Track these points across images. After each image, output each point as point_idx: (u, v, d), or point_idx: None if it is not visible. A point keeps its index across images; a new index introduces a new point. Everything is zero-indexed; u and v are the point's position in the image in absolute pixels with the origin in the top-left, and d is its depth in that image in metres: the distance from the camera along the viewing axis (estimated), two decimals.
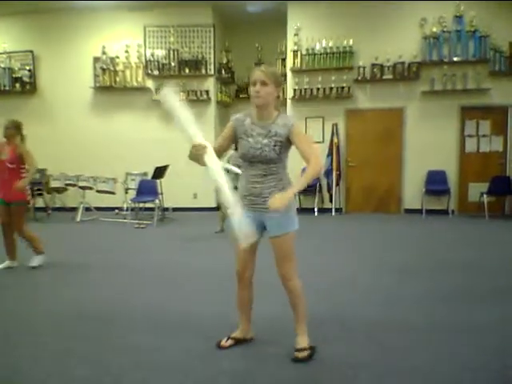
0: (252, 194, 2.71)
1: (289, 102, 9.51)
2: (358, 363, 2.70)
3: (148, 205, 8.81)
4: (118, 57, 9.93)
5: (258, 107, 2.68)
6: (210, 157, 2.63)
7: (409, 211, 9.22)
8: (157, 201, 8.41)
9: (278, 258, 2.75)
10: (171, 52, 9.84)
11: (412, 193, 9.24)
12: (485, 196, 8.49)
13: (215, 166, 2.62)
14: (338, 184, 9.26)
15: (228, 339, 2.94)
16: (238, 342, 2.94)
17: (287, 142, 2.68)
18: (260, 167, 2.68)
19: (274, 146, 2.64)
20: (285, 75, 9.64)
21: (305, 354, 2.73)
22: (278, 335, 3.09)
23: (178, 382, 2.52)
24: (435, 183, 8.99)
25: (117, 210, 9.36)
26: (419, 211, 8.97)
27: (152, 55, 9.89)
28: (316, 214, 9.03)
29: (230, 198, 2.56)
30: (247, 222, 2.56)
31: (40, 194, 9.06)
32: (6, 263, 5.18)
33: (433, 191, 9.01)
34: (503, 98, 8.78)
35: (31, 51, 10.10)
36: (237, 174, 2.84)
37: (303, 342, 2.78)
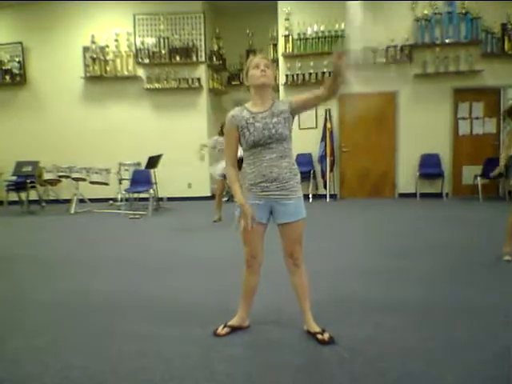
0: (267, 180, 2.68)
1: (281, 87, 9.46)
2: (355, 345, 2.71)
3: (142, 195, 8.78)
4: (107, 46, 9.84)
5: (262, 87, 2.70)
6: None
7: (403, 195, 9.25)
8: (151, 191, 8.39)
9: (289, 244, 2.78)
10: (161, 40, 9.76)
11: (406, 177, 9.26)
12: (479, 178, 8.52)
13: None
14: (332, 170, 9.25)
15: (224, 327, 2.94)
16: (234, 329, 2.94)
17: (292, 118, 2.75)
18: (276, 149, 2.68)
19: (284, 122, 2.69)
20: (277, 60, 9.59)
21: (327, 334, 2.76)
22: (274, 323, 3.09)
23: (176, 369, 2.52)
24: (429, 167, 9.01)
25: (111, 201, 9.34)
26: (413, 195, 9.01)
27: (142, 43, 9.81)
28: (311, 200, 9.03)
29: None
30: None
31: (33, 187, 9.00)
32: None
33: (427, 175, 9.03)
34: (496, 79, 8.78)
35: (20, 43, 9.99)
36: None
37: (316, 325, 2.82)
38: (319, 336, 2.76)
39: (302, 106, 2.77)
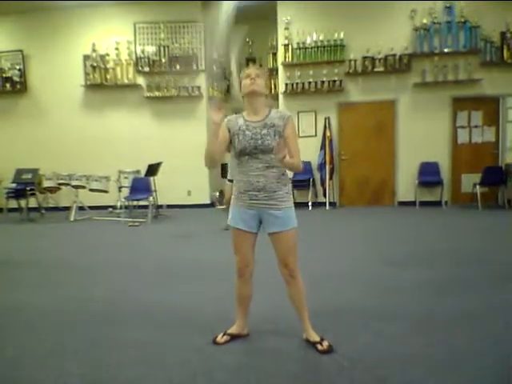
0: (254, 189, 2.71)
1: (281, 96, 9.50)
2: (354, 353, 2.71)
3: (142, 202, 8.77)
4: (108, 54, 9.86)
5: (252, 95, 2.72)
6: None
7: (402, 203, 9.25)
8: (150, 198, 8.39)
9: (282, 255, 2.77)
10: (162, 48, 9.79)
11: (405, 185, 9.27)
12: (478, 187, 8.52)
13: None
14: (331, 178, 9.26)
15: (224, 335, 2.94)
16: (234, 337, 2.94)
17: (283, 133, 2.73)
18: (262, 159, 2.69)
19: (274, 135, 2.69)
20: (276, 69, 9.64)
21: (326, 342, 2.76)
22: (272, 331, 3.09)
23: (175, 376, 2.52)
24: (428, 175, 9.02)
25: (110, 209, 9.33)
26: (413, 203, 9.01)
27: (142, 52, 9.84)
28: (310, 208, 9.03)
29: None
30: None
31: (33, 194, 9.00)
32: None
33: (426, 183, 9.04)
34: (495, 88, 8.81)
35: (21, 51, 10.01)
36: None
37: (315, 334, 2.82)
38: (319, 346, 2.75)
39: (285, 138, 2.69)
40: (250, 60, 10.45)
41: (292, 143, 2.70)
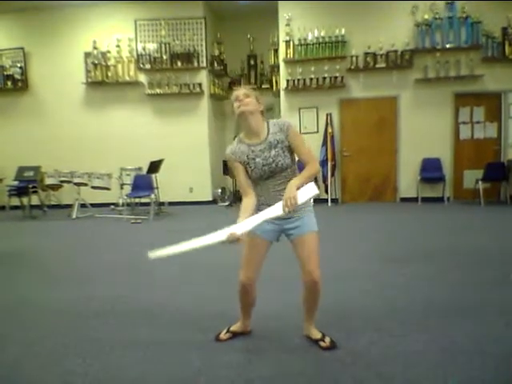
0: (276, 203, 2.60)
1: (282, 92, 9.48)
2: (356, 350, 2.72)
3: (144, 200, 8.78)
4: (109, 51, 9.85)
5: (243, 115, 2.61)
6: (247, 223, 2.55)
7: (404, 199, 9.24)
8: (152, 195, 8.40)
9: (305, 257, 2.68)
10: (163, 45, 9.78)
11: (407, 181, 9.26)
12: (480, 183, 8.50)
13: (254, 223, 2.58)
14: (333, 174, 9.26)
15: (227, 332, 2.94)
16: (236, 335, 2.94)
17: (289, 147, 2.66)
18: (279, 176, 2.64)
19: (283, 152, 2.63)
20: (278, 66, 9.61)
21: (328, 339, 2.77)
22: (275, 328, 3.09)
23: (177, 375, 2.52)
24: (430, 171, 9.00)
25: (112, 206, 9.33)
26: (415, 199, 9.00)
27: (143, 49, 9.83)
28: (312, 205, 9.02)
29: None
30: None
31: (35, 192, 9.01)
32: None
33: (428, 179, 9.03)
34: (496, 84, 8.78)
35: (22, 48, 10.01)
36: None
37: (317, 331, 2.83)
38: (321, 343, 2.76)
39: (293, 147, 2.66)
40: (251, 57, 10.45)
41: (301, 150, 2.64)
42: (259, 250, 2.72)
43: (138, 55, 9.85)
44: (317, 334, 2.81)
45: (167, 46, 9.78)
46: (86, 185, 8.80)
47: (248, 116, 2.61)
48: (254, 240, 2.69)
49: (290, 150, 2.66)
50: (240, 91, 2.66)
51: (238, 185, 2.83)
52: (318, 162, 2.75)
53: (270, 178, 2.65)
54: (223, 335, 2.93)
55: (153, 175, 8.63)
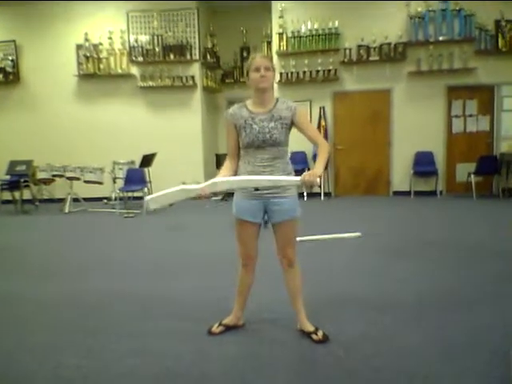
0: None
1: (275, 85, 9.44)
2: (350, 343, 2.72)
3: (136, 194, 8.74)
4: (101, 44, 9.78)
5: (262, 91, 2.67)
6: (224, 183, 2.65)
7: (397, 193, 9.26)
8: (145, 189, 8.36)
9: (283, 243, 2.77)
10: (155, 37, 9.71)
11: (400, 175, 9.27)
12: (472, 176, 8.53)
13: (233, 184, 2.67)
14: (326, 168, 9.23)
15: (219, 325, 2.94)
16: (229, 328, 2.94)
17: (291, 125, 2.72)
18: (269, 150, 2.66)
19: (281, 128, 2.67)
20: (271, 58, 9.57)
21: (321, 332, 2.77)
22: (268, 322, 3.09)
23: (169, 367, 2.52)
24: (423, 164, 9.02)
25: (105, 200, 9.29)
26: (408, 193, 9.02)
27: (136, 41, 9.76)
28: (305, 198, 9.01)
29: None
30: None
31: (27, 186, 8.95)
32: None
33: (421, 173, 9.05)
34: (489, 77, 8.79)
35: (13, 41, 9.92)
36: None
37: (309, 324, 2.83)
38: (314, 336, 2.76)
39: (300, 130, 2.73)
40: (245, 49, 10.41)
41: (309, 129, 2.74)
42: (249, 230, 2.77)
43: (130, 47, 9.78)
44: (310, 327, 2.81)
45: (160, 38, 9.71)
46: (78, 179, 8.75)
47: (265, 90, 2.68)
48: (241, 222, 2.76)
49: (288, 130, 2.71)
50: (262, 61, 2.66)
51: (227, 145, 2.86)
52: (324, 141, 2.80)
53: (259, 149, 2.67)
54: (215, 329, 2.92)
55: (145, 169, 8.60)
